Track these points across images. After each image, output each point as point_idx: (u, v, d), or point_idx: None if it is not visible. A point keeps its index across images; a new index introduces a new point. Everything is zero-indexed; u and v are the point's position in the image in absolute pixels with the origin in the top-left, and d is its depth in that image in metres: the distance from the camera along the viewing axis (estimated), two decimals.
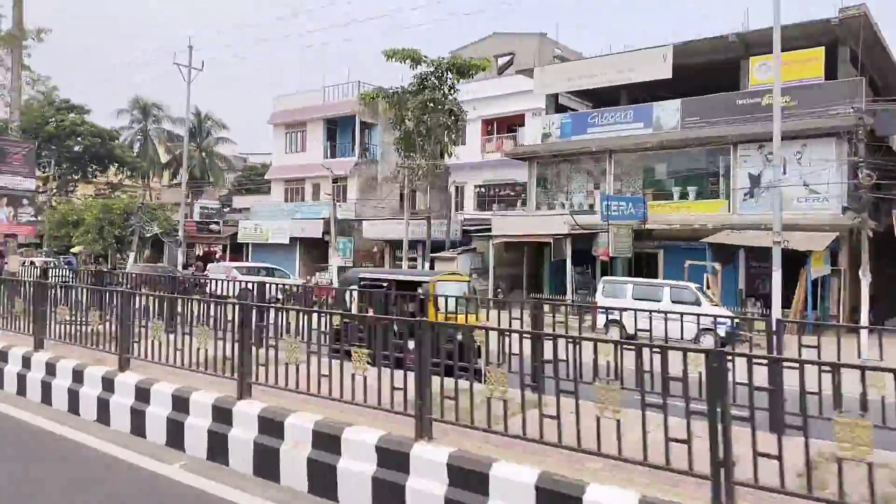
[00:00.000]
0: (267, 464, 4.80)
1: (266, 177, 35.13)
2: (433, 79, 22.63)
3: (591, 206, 23.88)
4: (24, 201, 11.45)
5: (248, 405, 5.15)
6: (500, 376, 4.22)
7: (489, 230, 24.41)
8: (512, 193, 29.64)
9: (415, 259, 28.13)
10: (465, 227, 25.88)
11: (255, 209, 33.25)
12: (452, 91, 22.73)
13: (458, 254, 24.21)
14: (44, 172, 45.49)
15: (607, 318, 12.02)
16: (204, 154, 56.64)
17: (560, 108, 26.99)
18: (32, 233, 11.05)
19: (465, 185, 28.75)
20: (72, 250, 43.24)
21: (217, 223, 33.77)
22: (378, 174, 31.47)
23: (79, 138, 43.92)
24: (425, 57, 22.38)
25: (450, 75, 22.98)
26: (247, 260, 31.61)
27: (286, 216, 32.37)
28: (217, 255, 34.18)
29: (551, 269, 25.94)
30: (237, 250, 34.46)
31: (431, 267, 24.14)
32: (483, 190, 28.97)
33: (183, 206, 31.43)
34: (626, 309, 8.99)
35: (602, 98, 26.18)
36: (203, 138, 58.39)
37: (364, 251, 29.78)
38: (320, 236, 28.85)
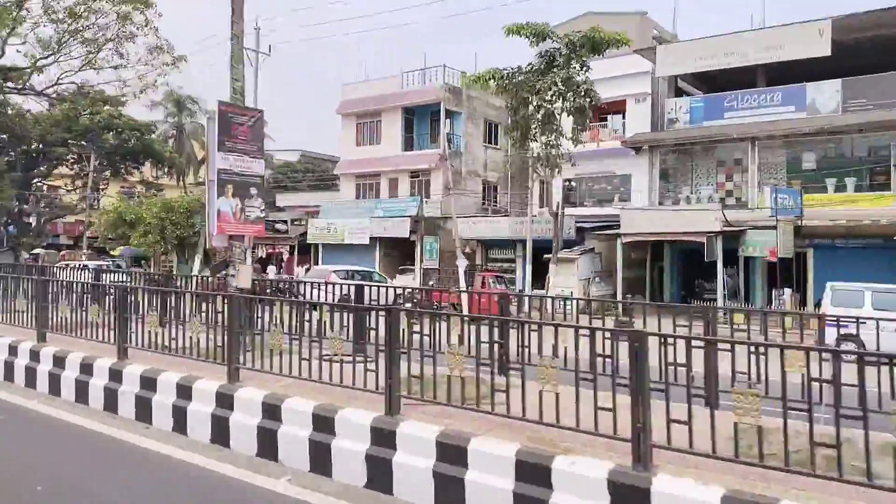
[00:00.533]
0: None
1: (336, 171, 32.37)
2: (561, 57, 19.78)
3: (730, 200, 21.20)
4: (253, 190, 8.69)
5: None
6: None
7: (608, 227, 23.45)
8: (608, 187, 26.92)
9: (513, 261, 25.48)
10: (579, 225, 23.17)
11: (326, 207, 31.34)
12: (585, 69, 19.91)
13: (580, 254, 21.49)
14: (82, 170, 42.51)
15: (838, 331, 10.21)
16: None
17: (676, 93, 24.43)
18: (262, 232, 8.17)
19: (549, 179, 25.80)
20: (112, 252, 40.56)
21: (284, 222, 31.05)
22: (462, 167, 28.76)
23: (114, 132, 43.00)
24: (552, 32, 19.58)
25: (576, 52, 20.07)
26: (316, 263, 31.21)
27: (364, 214, 31.06)
28: (285, 257, 31.43)
29: (677, 272, 23.96)
30: (304, 251, 33.66)
31: (543, 270, 21.37)
32: (572, 184, 26.14)
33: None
34: (866, 319, 7.53)
35: (716, 82, 25.02)
36: None
37: (450, 251, 27.29)
38: (407, 236, 25.99)
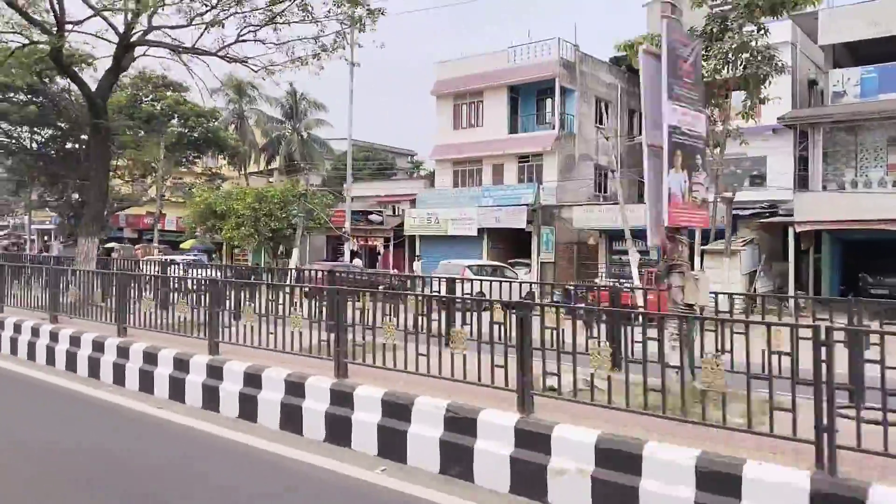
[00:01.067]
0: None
1: (430, 157, 30.04)
2: (734, 22, 17.18)
3: None
4: (699, 160, 6.20)
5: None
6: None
7: (771, 214, 21.89)
8: (738, 171, 24.44)
9: (646, 252, 23.13)
10: (735, 212, 20.78)
11: (423, 196, 29.23)
12: (764, 33, 17.28)
13: (743, 246, 19.00)
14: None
15: None
16: (302, 136, 53.31)
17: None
18: (706, 222, 5.60)
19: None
20: (182, 245, 38.94)
21: (379, 213, 29.00)
22: (575, 150, 26.49)
23: (180, 119, 41.71)
24: None
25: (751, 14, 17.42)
26: (418, 256, 29.78)
27: (468, 203, 29.65)
28: (380, 250, 29.38)
29: (837, 264, 23.27)
30: (399, 243, 32.53)
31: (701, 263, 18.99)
32: None
33: (349, 195, 29.62)
34: None
35: (858, 53, 23.34)
36: (299, 120, 53.71)
37: (564, 244, 24.96)
38: (524, 226, 23.77)
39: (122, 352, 8.25)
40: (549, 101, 30.20)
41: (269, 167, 55.26)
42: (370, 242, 32.43)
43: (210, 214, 29.35)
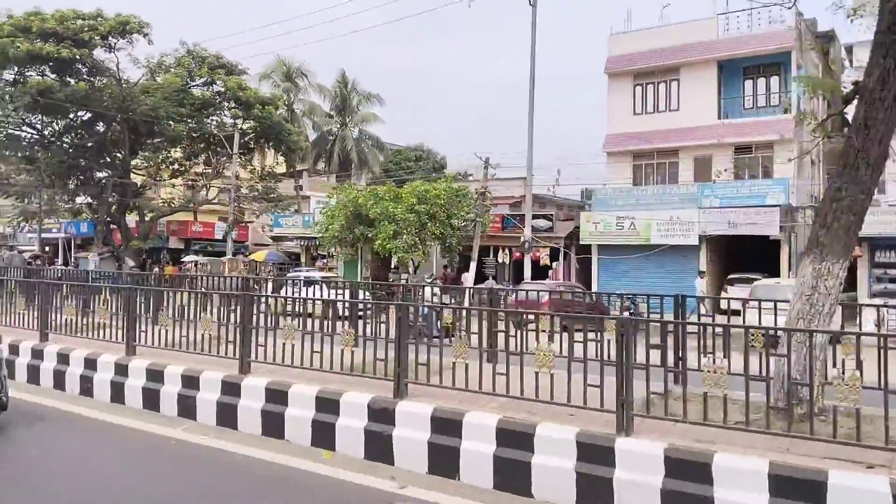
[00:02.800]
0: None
1: (603, 149, 25.92)
2: None
3: None
4: None
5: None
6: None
7: None
8: None
9: None
10: None
11: (601, 197, 24.71)
12: None
13: None
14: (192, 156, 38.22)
15: None
16: (356, 133, 51.25)
17: None
18: None
19: None
20: (254, 256, 33.70)
21: (548, 217, 24.58)
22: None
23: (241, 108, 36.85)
24: None
25: None
26: (701, 273, 25.20)
27: (682, 204, 25.91)
28: (546, 264, 25.48)
29: None
30: (556, 255, 29.07)
31: None
32: None
33: (530, 190, 26.20)
34: None
35: None
36: (351, 114, 51.84)
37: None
38: (775, 232, 20.36)
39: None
40: (772, 80, 27.91)
41: (316, 167, 50.51)
42: (536, 254, 27.87)
43: (354, 221, 25.90)
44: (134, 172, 37.65)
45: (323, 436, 7.18)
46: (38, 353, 10.23)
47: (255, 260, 32.92)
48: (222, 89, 37.85)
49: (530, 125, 25.09)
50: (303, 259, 37.98)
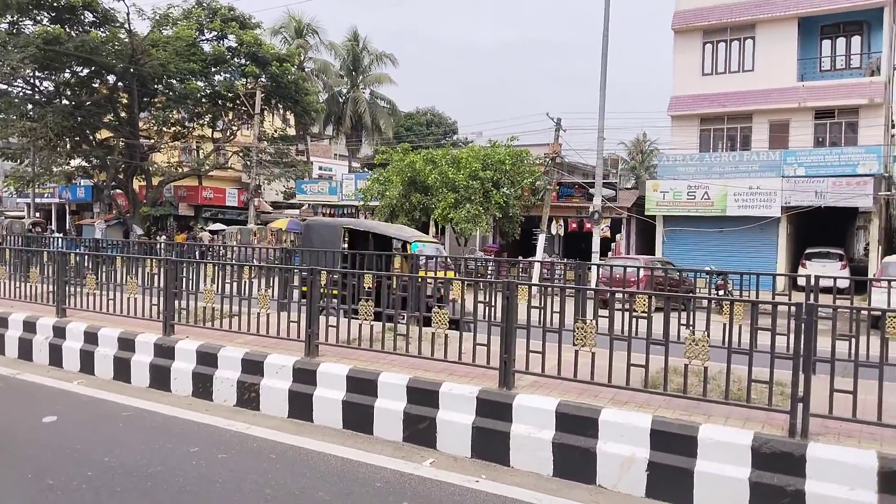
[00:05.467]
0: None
1: (668, 111, 25.03)
2: None
3: None
4: None
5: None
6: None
7: None
8: None
9: None
10: None
11: (667, 163, 23.76)
12: None
13: None
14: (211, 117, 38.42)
15: None
16: (367, 94, 51.26)
17: None
18: None
19: None
20: (275, 224, 33.76)
21: (612, 185, 23.92)
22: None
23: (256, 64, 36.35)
24: None
25: None
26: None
27: (768, 171, 25.42)
28: (613, 239, 24.82)
29: None
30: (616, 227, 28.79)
31: None
32: None
33: (601, 159, 24.91)
34: None
35: None
36: (362, 74, 52.13)
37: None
38: (868, 204, 19.83)
39: None
40: (853, 40, 27.58)
41: (326, 130, 50.38)
42: (575, 225, 27.43)
43: (410, 188, 25.06)
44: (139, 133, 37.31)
45: (415, 430, 6.70)
46: (59, 331, 9.71)
47: (280, 228, 32.65)
48: (234, 44, 37.34)
49: (602, 86, 23.74)
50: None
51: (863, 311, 5.84)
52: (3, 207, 49.48)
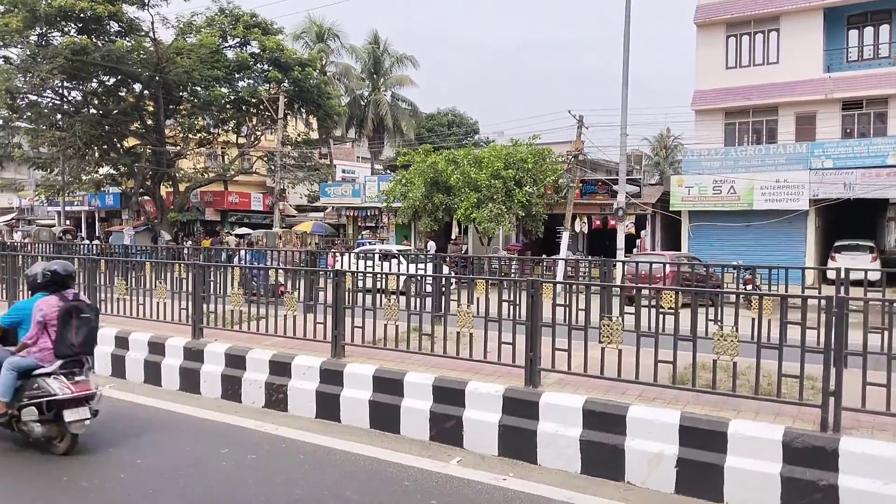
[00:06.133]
0: None
1: (692, 105, 24.83)
2: None
3: None
4: None
5: None
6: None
7: None
8: None
9: None
10: None
11: (692, 157, 23.63)
12: None
13: None
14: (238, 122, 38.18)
15: None
16: (388, 97, 51.20)
17: None
18: None
19: None
20: (299, 227, 33.94)
21: (635, 181, 23.74)
22: None
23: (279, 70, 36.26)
24: None
25: None
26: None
27: (795, 164, 24.85)
28: (638, 235, 24.65)
29: None
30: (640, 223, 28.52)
31: None
32: None
33: (624, 155, 25.08)
34: None
35: None
36: (383, 77, 52.06)
37: None
38: None
39: None
40: (881, 29, 27.13)
41: (348, 133, 50.82)
42: (599, 222, 27.48)
43: (433, 189, 25.56)
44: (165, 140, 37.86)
45: (441, 429, 6.72)
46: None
47: (305, 231, 32.83)
48: (257, 50, 37.73)
49: (624, 82, 23.54)
50: (350, 230, 37.67)
51: (895, 304, 5.70)
52: (34, 216, 50.62)
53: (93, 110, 35.13)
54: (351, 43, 51.29)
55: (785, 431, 5.19)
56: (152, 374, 9.04)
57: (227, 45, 37.40)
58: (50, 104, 34.87)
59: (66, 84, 34.60)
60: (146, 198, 37.73)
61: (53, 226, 41.92)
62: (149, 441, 6.78)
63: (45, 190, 37.13)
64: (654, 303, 6.55)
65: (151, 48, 32.80)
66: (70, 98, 35.61)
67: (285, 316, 8.41)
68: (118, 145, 36.45)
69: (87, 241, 33.02)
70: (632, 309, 6.51)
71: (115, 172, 37.04)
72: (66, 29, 32.75)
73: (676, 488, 5.47)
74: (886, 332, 5.72)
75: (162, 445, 6.66)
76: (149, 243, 29.48)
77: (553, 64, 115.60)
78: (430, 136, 50.61)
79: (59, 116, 34.82)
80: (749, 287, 15.12)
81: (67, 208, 45.10)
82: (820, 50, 27.26)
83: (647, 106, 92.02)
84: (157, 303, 9.74)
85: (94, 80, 34.83)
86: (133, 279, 10.55)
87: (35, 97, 33.74)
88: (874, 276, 11.12)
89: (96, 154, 35.97)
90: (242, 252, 16.25)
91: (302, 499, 5.37)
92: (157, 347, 9.08)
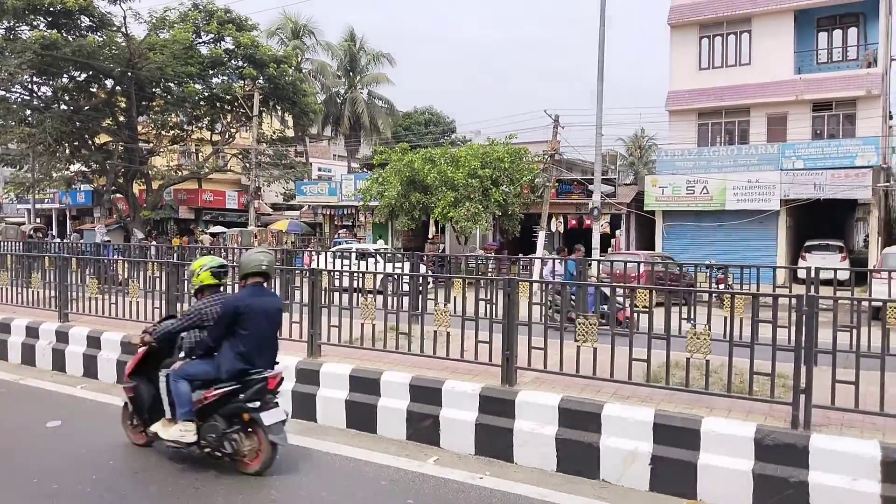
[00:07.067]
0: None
1: (666, 107, 25.09)
2: None
3: None
4: None
5: None
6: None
7: None
8: None
9: None
10: None
11: (665, 159, 23.80)
12: None
13: None
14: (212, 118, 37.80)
15: None
16: (364, 95, 50.89)
17: None
18: None
19: None
20: (275, 226, 33.85)
21: (611, 182, 23.92)
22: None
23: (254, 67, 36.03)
24: None
25: None
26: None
27: (766, 164, 25.27)
28: (613, 235, 24.92)
29: None
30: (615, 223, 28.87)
31: None
32: None
33: (599, 155, 24.51)
34: None
35: None
36: (359, 74, 51.55)
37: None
38: (867, 197, 20.44)
39: None
40: (849, 32, 27.55)
41: (324, 131, 50.47)
42: (574, 222, 27.74)
43: (410, 188, 25.32)
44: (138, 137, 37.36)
45: (418, 428, 6.70)
46: (62, 336, 9.70)
47: (281, 230, 32.61)
48: (232, 46, 37.34)
49: (599, 80, 23.53)
50: (326, 229, 37.54)
51: (863, 302, 5.81)
52: (3, 214, 49.64)
53: (63, 106, 34.68)
54: (327, 40, 51.10)
55: (757, 429, 5.26)
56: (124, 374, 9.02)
57: (200, 41, 37.00)
58: (19, 99, 34.29)
59: (35, 79, 34.10)
60: (118, 196, 37.23)
61: (23, 224, 41.16)
62: (121, 442, 6.57)
63: (15, 187, 36.47)
64: (628, 303, 6.66)
65: (123, 43, 32.35)
66: (40, 93, 35.07)
67: None
68: (90, 142, 35.92)
69: (57, 240, 32.57)
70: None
71: (86, 169, 36.49)
72: (35, 23, 32.26)
73: (651, 485, 5.51)
74: (855, 331, 5.84)
75: (135, 446, 6.48)
76: (121, 242, 29.15)
77: (529, 64, 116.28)
78: (407, 135, 50.38)
79: (28, 112, 34.25)
80: (721, 286, 15.38)
81: (38, 206, 44.33)
82: (791, 52, 27.46)
83: (622, 106, 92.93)
84: (130, 302, 9.55)
85: (65, 75, 34.31)
86: (105, 278, 10.33)
87: (3, 92, 33.15)
88: (843, 275, 11.35)
89: (67, 151, 35.38)
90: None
91: (278, 500, 5.32)
92: (129, 347, 8.84)
